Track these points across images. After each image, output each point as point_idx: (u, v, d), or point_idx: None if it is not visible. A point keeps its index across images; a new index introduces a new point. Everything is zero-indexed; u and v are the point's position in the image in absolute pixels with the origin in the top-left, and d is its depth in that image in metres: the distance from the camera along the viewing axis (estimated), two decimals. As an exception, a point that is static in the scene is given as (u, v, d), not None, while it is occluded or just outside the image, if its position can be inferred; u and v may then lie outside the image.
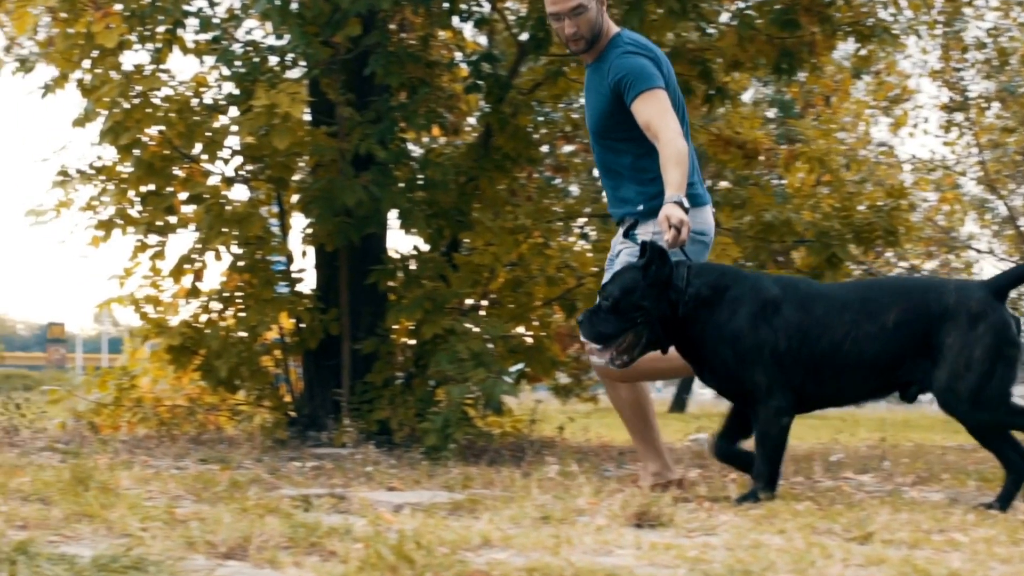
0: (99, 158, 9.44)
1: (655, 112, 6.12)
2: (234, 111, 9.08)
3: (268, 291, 9.22)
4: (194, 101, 9.07)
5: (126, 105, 8.77)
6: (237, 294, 9.40)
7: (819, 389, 5.74)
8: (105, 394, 10.20)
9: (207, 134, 9.00)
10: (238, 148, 9.19)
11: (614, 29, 6.47)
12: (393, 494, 5.99)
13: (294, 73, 9.14)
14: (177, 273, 9.44)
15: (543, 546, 4.19)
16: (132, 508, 4.68)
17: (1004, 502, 5.55)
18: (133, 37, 9.00)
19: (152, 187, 9.22)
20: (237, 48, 9.00)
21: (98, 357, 38.86)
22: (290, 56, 8.88)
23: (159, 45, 9.07)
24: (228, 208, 8.98)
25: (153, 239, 9.43)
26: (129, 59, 9.10)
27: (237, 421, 9.92)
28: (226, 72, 9.01)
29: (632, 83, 6.19)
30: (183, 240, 9.63)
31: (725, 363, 5.74)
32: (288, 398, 9.80)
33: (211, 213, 8.90)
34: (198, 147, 9.12)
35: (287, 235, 9.69)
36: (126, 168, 9.23)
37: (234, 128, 8.96)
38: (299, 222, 9.50)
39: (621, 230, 6.48)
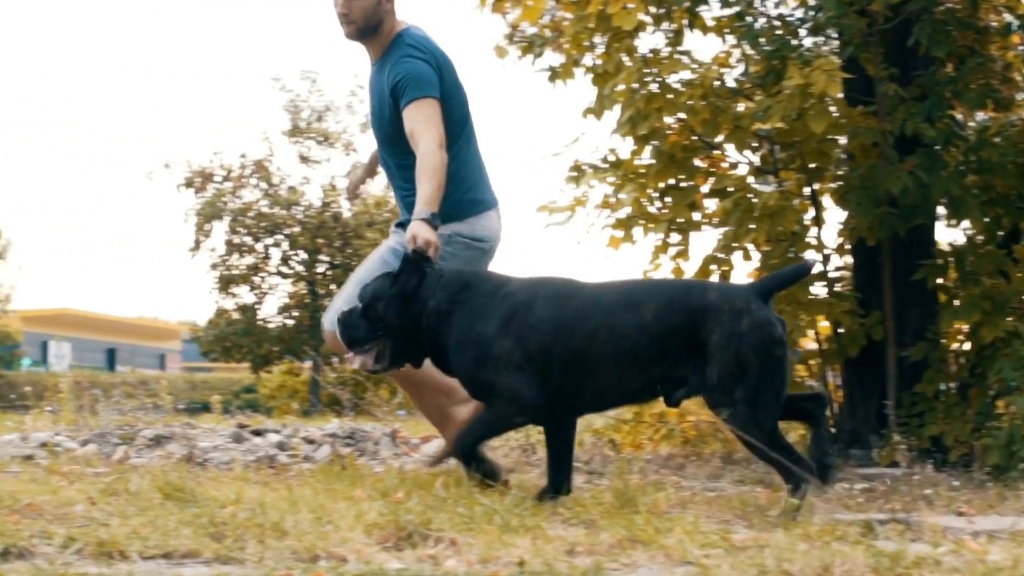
0: (612, 151, 9.67)
1: (419, 121, 6.41)
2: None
3: (804, 293, 9.18)
4: (715, 84, 9.13)
5: (643, 92, 8.93)
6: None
7: (576, 389, 5.86)
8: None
9: (732, 120, 9.06)
10: (765, 134, 9.21)
11: (400, 27, 6.69)
12: (964, 520, 5.88)
13: (825, 48, 9.09)
14: (703, 275, 9.37)
15: None
16: (688, 534, 4.75)
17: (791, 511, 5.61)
18: (647, 18, 9.16)
19: (673, 181, 9.35)
20: (761, 24, 9.01)
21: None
22: (823, 29, 8.83)
23: (675, 25, 9.20)
24: (756, 201, 8.99)
25: (675, 238, 9.56)
26: (644, 42, 9.29)
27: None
28: (750, 51, 9.05)
29: (405, 89, 6.49)
30: (706, 239, 9.70)
31: (471, 374, 5.93)
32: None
33: (739, 207, 8.93)
34: (722, 135, 9.20)
35: (821, 230, 9.62)
36: (643, 161, 9.40)
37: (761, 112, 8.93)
38: (835, 215, 9.43)
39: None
